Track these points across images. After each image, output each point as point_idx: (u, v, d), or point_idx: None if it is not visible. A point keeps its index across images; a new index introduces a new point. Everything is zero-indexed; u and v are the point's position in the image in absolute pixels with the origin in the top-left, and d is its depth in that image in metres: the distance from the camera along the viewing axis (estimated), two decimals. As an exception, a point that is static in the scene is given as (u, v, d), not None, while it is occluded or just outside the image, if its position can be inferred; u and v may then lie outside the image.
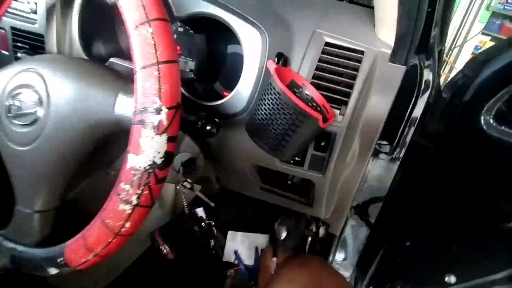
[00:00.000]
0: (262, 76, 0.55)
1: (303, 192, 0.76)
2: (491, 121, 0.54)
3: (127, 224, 0.35)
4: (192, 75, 0.63)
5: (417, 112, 0.69)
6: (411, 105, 0.67)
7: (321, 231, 1.01)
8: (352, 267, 1.03)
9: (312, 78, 0.56)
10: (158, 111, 0.33)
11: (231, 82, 0.59)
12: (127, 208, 0.34)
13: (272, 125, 0.48)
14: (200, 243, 0.88)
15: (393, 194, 0.79)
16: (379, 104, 0.58)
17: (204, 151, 0.70)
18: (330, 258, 1.03)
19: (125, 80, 0.43)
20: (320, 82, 0.56)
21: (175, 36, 0.68)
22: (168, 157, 0.35)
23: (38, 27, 0.68)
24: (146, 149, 0.33)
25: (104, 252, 0.36)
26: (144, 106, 0.33)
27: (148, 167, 0.34)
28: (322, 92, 0.54)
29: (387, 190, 0.78)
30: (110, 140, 0.47)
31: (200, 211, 1.15)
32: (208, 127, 0.49)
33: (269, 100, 0.47)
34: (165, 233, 0.79)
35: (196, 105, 0.58)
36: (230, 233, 1.15)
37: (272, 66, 0.49)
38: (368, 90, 0.57)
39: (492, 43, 2.69)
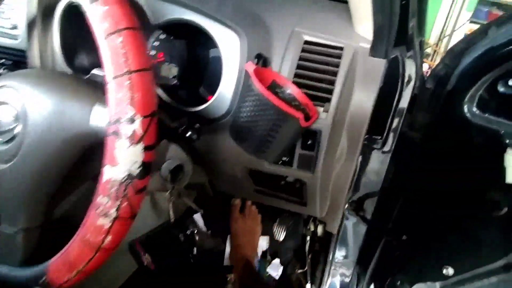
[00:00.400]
0: (242, 78, 0.55)
1: (297, 192, 0.76)
2: (475, 109, 0.54)
3: (108, 238, 0.34)
4: (176, 81, 0.63)
5: (404, 104, 0.69)
6: (396, 98, 0.67)
7: (319, 230, 1.01)
8: (354, 265, 1.02)
9: (294, 77, 0.56)
10: (132, 120, 0.33)
11: (215, 86, 0.59)
12: (106, 222, 0.34)
13: (254, 127, 0.48)
14: (183, 252, 0.87)
15: (387, 188, 0.79)
16: (363, 99, 0.58)
17: (193, 157, 0.70)
18: (330, 257, 1.02)
19: (102, 91, 0.43)
20: (302, 80, 0.55)
21: (157, 43, 0.68)
22: (146, 166, 0.35)
23: (20, 43, 0.68)
24: (122, 160, 0.33)
25: (87, 268, 0.36)
26: (118, 117, 0.33)
27: (125, 179, 0.33)
28: (304, 90, 0.54)
29: (379, 184, 0.78)
30: (93, 152, 0.47)
31: (197, 217, 1.14)
32: (189, 133, 0.49)
33: (249, 102, 0.47)
34: (147, 243, 0.78)
35: (180, 111, 0.58)
36: (229, 237, 1.14)
37: (251, 67, 0.49)
38: (351, 86, 0.57)
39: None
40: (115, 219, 0.34)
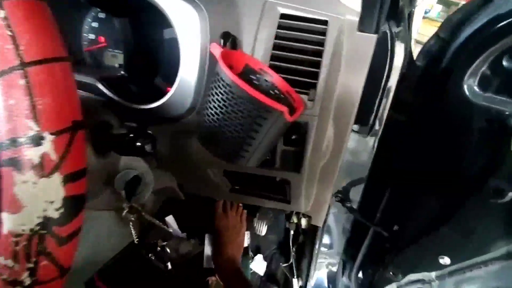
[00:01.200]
0: (206, 64, 0.44)
1: (279, 190, 0.67)
2: (475, 88, 0.47)
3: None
4: (122, 72, 0.50)
5: (391, 84, 0.61)
6: (384, 78, 0.60)
7: (303, 222, 0.94)
8: (339, 255, 0.98)
9: (270, 60, 0.45)
10: (37, 140, 0.21)
11: (173, 76, 0.47)
12: (18, 292, 0.23)
13: (227, 126, 0.37)
14: (156, 272, 0.77)
15: (374, 176, 0.72)
16: (351, 81, 0.49)
17: (156, 160, 0.58)
18: (316, 249, 0.97)
19: None
20: (280, 63, 0.45)
21: (95, 24, 0.54)
22: (72, 203, 0.24)
23: None
24: (28, 202, 0.21)
25: None
26: (12, 136, 0.21)
27: (37, 228, 0.22)
28: (284, 75, 0.44)
29: (366, 171, 0.72)
30: None
31: (170, 219, 1.03)
32: (138, 143, 0.37)
33: (218, 95, 0.36)
34: (110, 275, 0.66)
35: (131, 110, 0.46)
36: (207, 236, 1.06)
37: (217, 50, 0.38)
38: (338, 67, 0.48)
39: (439, 6, 2.70)
40: (30, 286, 0.23)
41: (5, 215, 0.22)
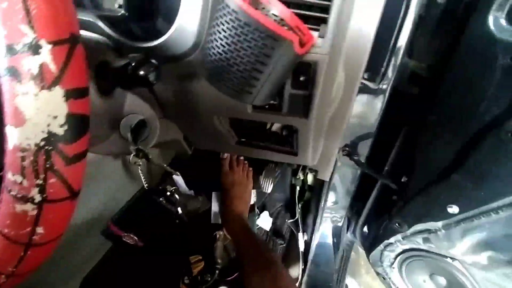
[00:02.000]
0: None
1: (286, 140, 0.67)
2: (503, 22, 0.43)
3: (39, 230, 0.24)
4: (123, 11, 0.48)
5: (406, 28, 0.58)
6: (400, 19, 0.56)
7: (309, 178, 0.95)
8: (344, 210, 0.99)
9: None
10: (35, 49, 0.20)
11: (177, 11, 0.45)
12: (30, 209, 0.23)
13: (233, 59, 0.35)
14: (168, 216, 0.79)
15: (384, 127, 0.71)
16: (364, 19, 0.46)
17: (160, 109, 0.57)
18: (322, 204, 0.98)
19: None
20: None
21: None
22: (76, 122, 0.23)
23: None
24: (31, 115, 0.21)
25: (20, 270, 0.25)
26: (8, 43, 0.20)
27: (43, 143, 0.21)
28: (292, 10, 0.41)
29: (372, 126, 0.70)
30: None
31: (177, 178, 1.05)
32: (141, 72, 0.35)
33: (224, 25, 0.34)
34: (123, 220, 0.68)
35: (131, 48, 0.44)
36: (214, 194, 1.08)
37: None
38: (351, 2, 0.44)
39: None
40: (41, 203, 0.23)
41: (9, 129, 0.21)
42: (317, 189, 1.04)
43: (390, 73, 0.62)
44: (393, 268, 0.88)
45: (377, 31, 0.47)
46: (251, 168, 1.08)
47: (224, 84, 0.38)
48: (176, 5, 0.43)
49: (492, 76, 0.47)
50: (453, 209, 0.60)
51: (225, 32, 0.34)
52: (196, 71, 0.44)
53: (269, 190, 1.12)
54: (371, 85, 0.65)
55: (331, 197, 1.01)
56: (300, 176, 1.04)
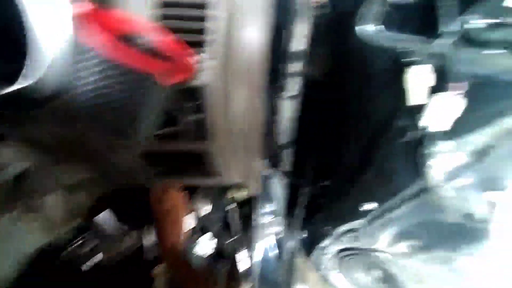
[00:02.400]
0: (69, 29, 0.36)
1: (201, 164, 0.64)
2: (368, 28, 0.46)
3: None
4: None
5: (301, 37, 0.59)
6: (290, 29, 0.57)
7: (240, 195, 0.93)
8: (283, 221, 0.99)
9: (155, 20, 0.39)
10: None
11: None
12: None
13: (104, 97, 0.32)
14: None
15: (298, 136, 0.72)
16: (253, 33, 0.45)
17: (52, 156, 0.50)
18: (260, 220, 0.97)
19: None
20: (168, 21, 0.40)
21: None
22: None
23: None
24: None
25: None
26: None
27: None
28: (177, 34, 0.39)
29: (290, 134, 0.71)
30: None
31: (105, 216, 0.95)
32: None
33: (89, 69, 0.30)
34: None
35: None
36: (146, 226, 1.00)
37: (81, 9, 0.31)
38: (235, 20, 0.44)
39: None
40: None
41: None
42: (253, 204, 1.02)
43: (295, 81, 0.64)
44: (333, 269, 0.90)
45: (271, 42, 0.47)
46: (183, 192, 1.03)
47: (99, 125, 0.34)
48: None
49: (378, 79, 0.51)
50: (369, 206, 0.63)
51: (89, 73, 0.30)
52: (73, 113, 0.39)
53: (207, 212, 1.08)
54: (281, 94, 0.66)
55: (269, 208, 1.00)
56: (231, 194, 1.02)
